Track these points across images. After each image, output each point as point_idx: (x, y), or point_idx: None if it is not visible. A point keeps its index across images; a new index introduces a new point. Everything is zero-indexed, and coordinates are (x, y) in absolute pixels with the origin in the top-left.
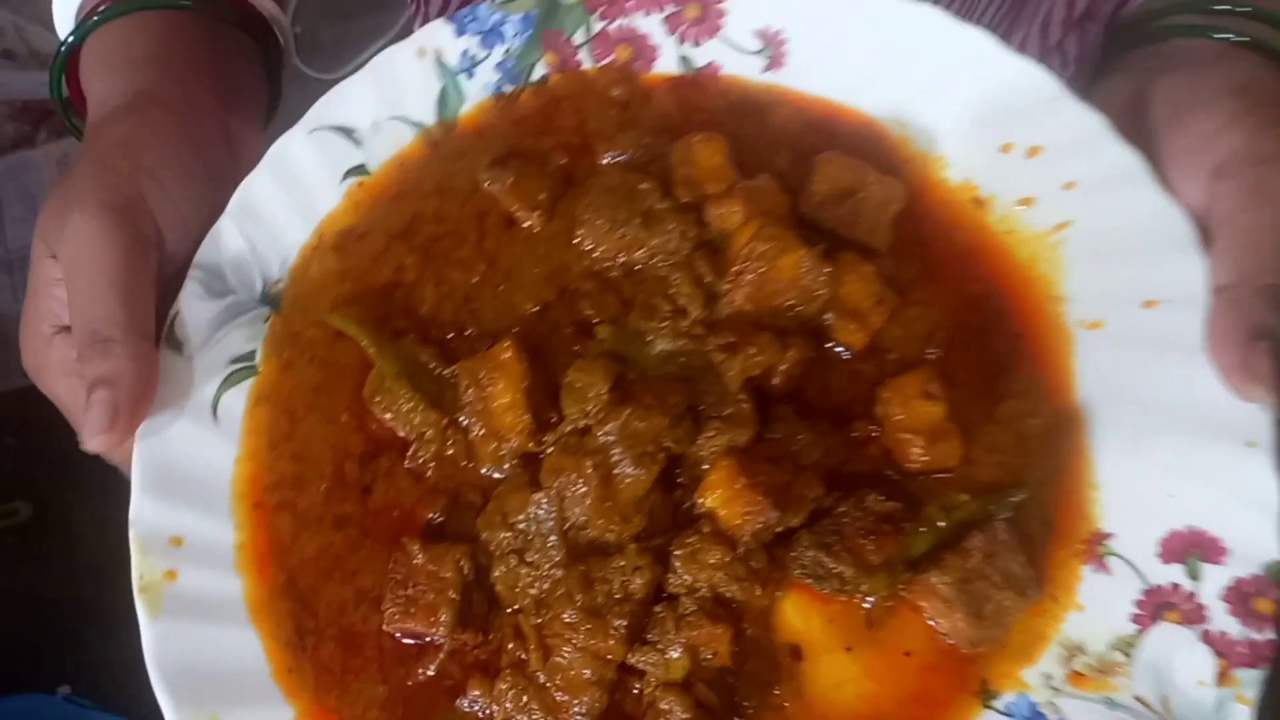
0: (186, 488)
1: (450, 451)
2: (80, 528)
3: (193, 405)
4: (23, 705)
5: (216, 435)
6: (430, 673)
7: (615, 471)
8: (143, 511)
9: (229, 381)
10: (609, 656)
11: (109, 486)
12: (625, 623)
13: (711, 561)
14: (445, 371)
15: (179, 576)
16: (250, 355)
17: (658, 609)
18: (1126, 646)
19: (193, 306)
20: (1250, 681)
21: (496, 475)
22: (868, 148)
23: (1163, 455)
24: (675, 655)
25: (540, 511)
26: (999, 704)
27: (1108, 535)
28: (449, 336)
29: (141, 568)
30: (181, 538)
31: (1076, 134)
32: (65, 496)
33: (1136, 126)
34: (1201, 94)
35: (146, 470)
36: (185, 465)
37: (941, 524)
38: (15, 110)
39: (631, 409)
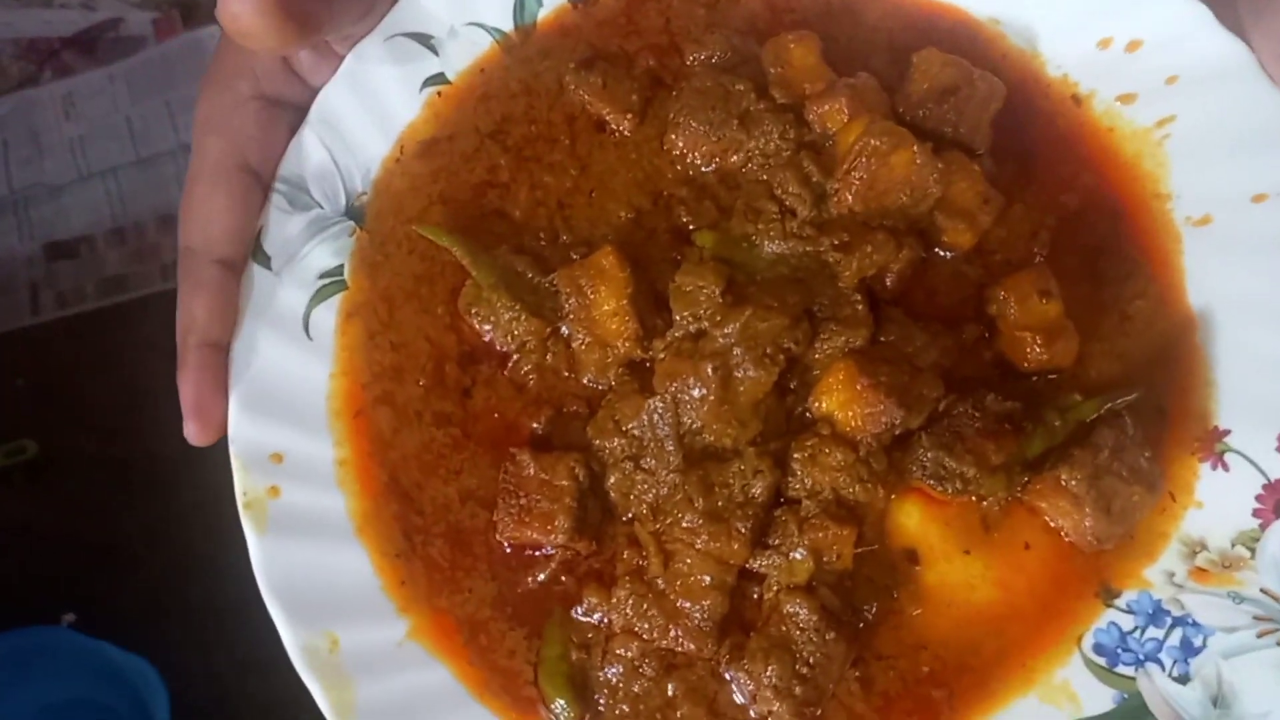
0: (282, 404)
1: (552, 361)
2: (86, 467)
3: (284, 321)
4: (28, 638)
5: (310, 351)
6: (541, 580)
7: (735, 375)
8: (241, 429)
9: (318, 296)
10: (731, 560)
11: (115, 427)
12: (749, 525)
13: (833, 463)
14: (543, 280)
15: (282, 493)
16: (338, 270)
17: (778, 513)
18: (1250, 541)
19: (278, 220)
20: None
21: (600, 385)
22: (963, 46)
23: (1278, 351)
24: (799, 558)
25: (655, 416)
26: (1121, 602)
27: (1225, 432)
28: (542, 243)
29: (245, 484)
30: (282, 454)
31: (1177, 26)
32: (72, 436)
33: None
34: None
35: (243, 388)
36: (281, 382)
37: (1057, 424)
38: (21, 49)
39: (752, 309)
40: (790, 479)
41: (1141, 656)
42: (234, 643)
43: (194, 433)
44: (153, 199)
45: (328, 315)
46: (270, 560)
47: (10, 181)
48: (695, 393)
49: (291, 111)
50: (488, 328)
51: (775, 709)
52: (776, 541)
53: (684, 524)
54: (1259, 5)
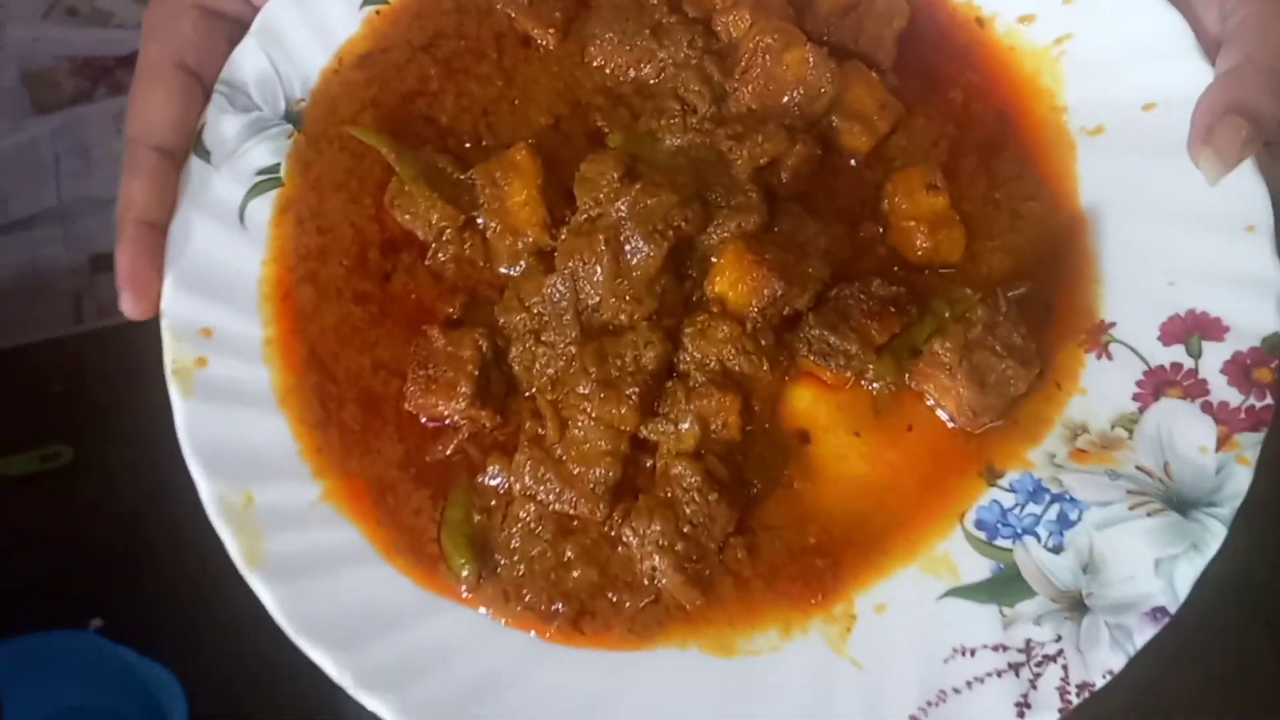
0: (215, 285)
1: (468, 251)
2: (119, 474)
3: (221, 210)
4: (55, 641)
5: (244, 238)
6: (448, 451)
7: (626, 249)
8: (174, 303)
9: (255, 190)
10: (623, 426)
11: (149, 435)
12: (638, 390)
13: (720, 336)
14: (462, 176)
15: (209, 363)
16: (275, 169)
17: (669, 384)
18: (1129, 423)
19: (219, 119)
20: (1250, 444)
21: (513, 273)
22: None
23: (1163, 247)
24: (686, 426)
25: (555, 292)
26: (1004, 482)
27: (1110, 324)
28: (466, 146)
29: (174, 353)
30: (211, 329)
31: None
32: (106, 443)
33: None
34: None
35: (178, 266)
36: (214, 264)
37: (946, 315)
38: (76, 66)
39: (641, 185)
40: (681, 354)
41: (1019, 530)
42: (253, 654)
43: (128, 303)
44: None
45: (263, 208)
46: (192, 420)
47: (60, 193)
48: (592, 268)
49: (229, 23)
50: (408, 219)
51: (658, 563)
52: (666, 410)
53: (579, 391)
54: None
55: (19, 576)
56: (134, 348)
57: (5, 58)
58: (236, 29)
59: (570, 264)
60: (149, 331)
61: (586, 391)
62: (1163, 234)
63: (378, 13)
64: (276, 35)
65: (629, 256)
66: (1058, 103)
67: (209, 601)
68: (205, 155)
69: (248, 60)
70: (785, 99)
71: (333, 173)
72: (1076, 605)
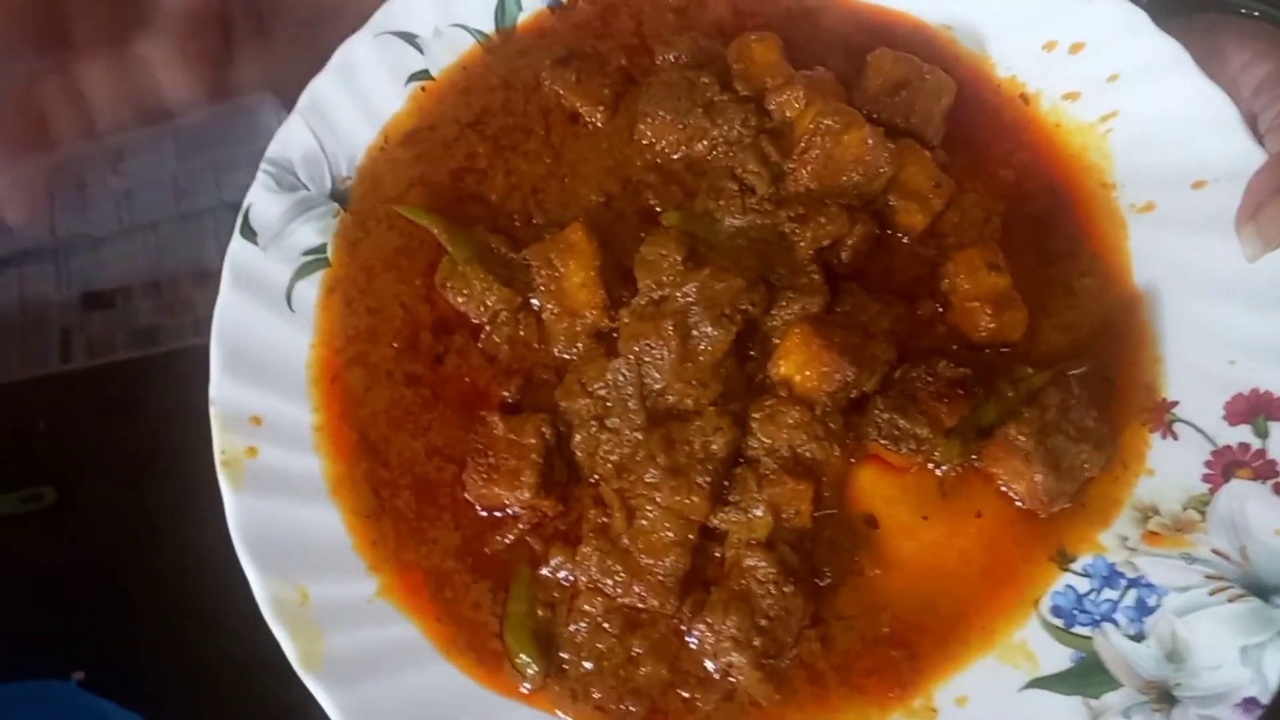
0: (264, 370)
1: (523, 333)
2: (104, 515)
3: (268, 293)
4: (36, 691)
5: (292, 322)
6: (508, 541)
7: (694, 333)
8: (221, 391)
9: (302, 272)
10: (693, 515)
11: (133, 478)
12: (709, 479)
13: (790, 422)
14: (515, 256)
15: (260, 453)
16: (322, 248)
17: (738, 470)
18: (1200, 505)
19: (265, 199)
20: None
21: (569, 355)
22: (917, 50)
23: (1221, 325)
24: (759, 514)
25: (620, 377)
26: (1077, 566)
27: (1173, 403)
28: (515, 224)
29: (223, 443)
30: (261, 417)
31: (1116, 28)
32: (90, 483)
33: None
34: (1229, 42)
35: (225, 351)
36: (262, 349)
37: (1009, 394)
38: None
39: (710, 270)
40: (749, 439)
41: (1097, 617)
42: (239, 704)
43: None
44: (191, 253)
45: (310, 289)
46: (244, 515)
47: (54, 230)
48: (658, 352)
49: None
50: (461, 300)
51: (735, 660)
52: (737, 498)
53: (647, 480)
54: (1210, 51)
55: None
56: (121, 387)
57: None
58: None
59: (635, 348)
60: (136, 371)
61: (655, 480)
62: (1220, 312)
63: (423, 89)
64: (322, 112)
65: (696, 341)
66: (1107, 179)
67: (191, 648)
68: (251, 236)
69: (294, 138)
70: (843, 179)
71: (381, 252)
72: (1165, 697)
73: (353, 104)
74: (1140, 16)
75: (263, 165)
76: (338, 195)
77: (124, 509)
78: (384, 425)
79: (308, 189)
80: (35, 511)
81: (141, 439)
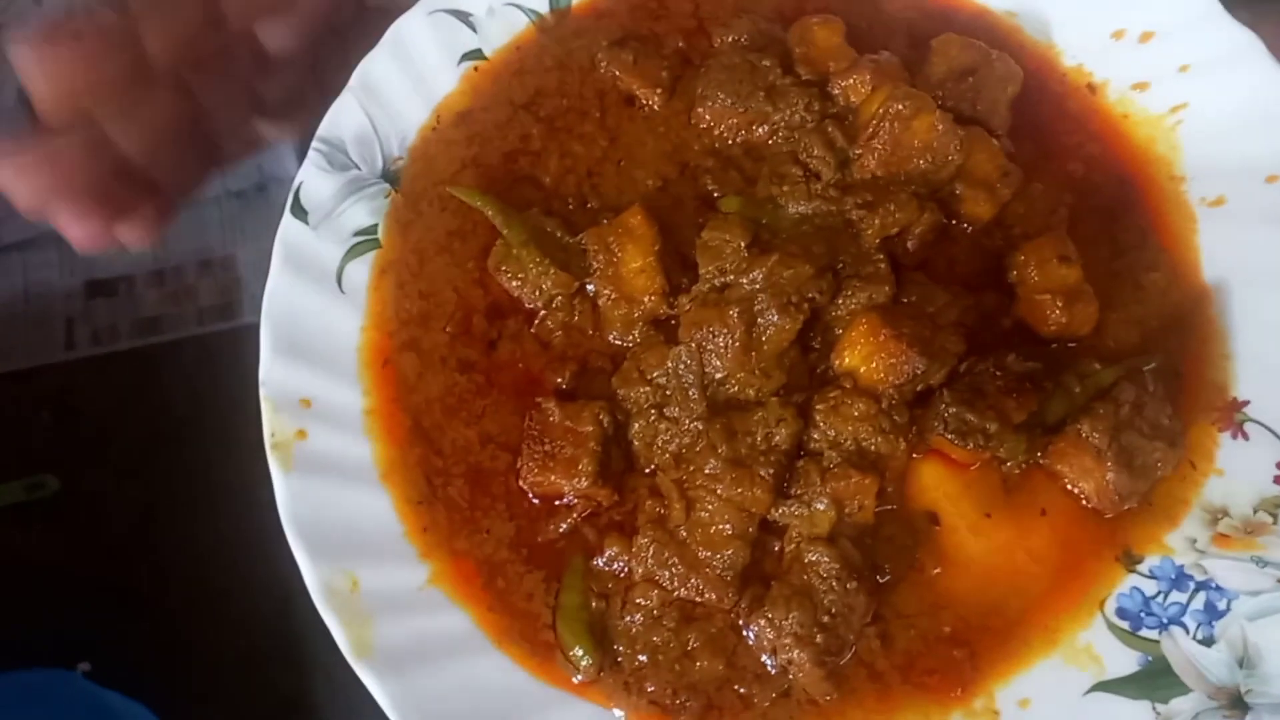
0: (314, 352)
1: (578, 319)
2: (106, 505)
3: (318, 273)
4: (41, 680)
5: (342, 303)
6: (563, 530)
7: (758, 321)
8: (272, 372)
9: (353, 252)
10: (753, 508)
11: (136, 466)
12: (771, 471)
13: (855, 414)
14: (571, 240)
15: (310, 436)
16: (373, 229)
17: (800, 463)
18: (1272, 507)
19: (316, 178)
20: None
21: (626, 342)
22: (981, 37)
23: None
24: (821, 507)
25: (681, 365)
26: (1143, 568)
27: (1244, 403)
28: (570, 208)
29: (273, 425)
30: (311, 399)
31: (1187, 16)
32: (94, 474)
33: None
34: None
35: (275, 332)
36: (312, 331)
37: (1077, 390)
38: None
39: (778, 256)
40: (812, 431)
41: (1165, 620)
42: (242, 695)
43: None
44: (195, 242)
45: (361, 271)
46: (294, 497)
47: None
48: (720, 340)
49: None
50: (516, 284)
51: (796, 656)
52: (799, 491)
53: (706, 471)
54: None
55: (3, 608)
56: (125, 376)
57: (3, 76)
58: None
59: (697, 335)
60: (140, 359)
61: (715, 471)
62: None
63: (476, 69)
64: (375, 91)
65: (760, 329)
66: (1175, 172)
67: (195, 637)
68: (303, 215)
69: (346, 117)
70: (911, 166)
71: (434, 235)
72: (1236, 702)
73: (405, 83)
74: (1213, 4)
75: (314, 144)
76: (389, 175)
77: (128, 498)
78: (438, 412)
79: (359, 169)
80: (39, 500)
81: (146, 428)
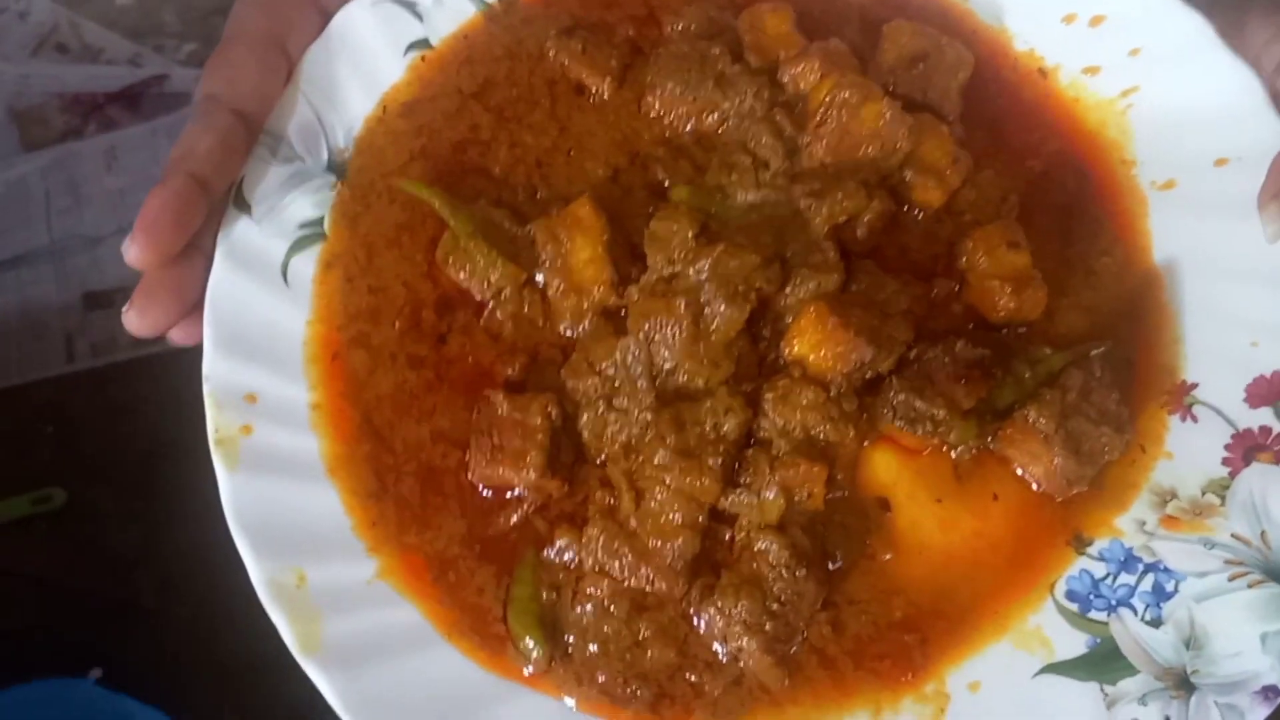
0: (258, 347)
1: (527, 310)
2: (112, 518)
3: (262, 267)
4: (56, 689)
5: (287, 297)
6: (513, 522)
7: (706, 311)
8: (215, 367)
9: (297, 246)
10: (703, 497)
11: (139, 479)
12: (720, 461)
13: (804, 402)
14: (519, 231)
15: (254, 431)
16: (319, 221)
17: (749, 452)
18: (1220, 489)
19: (260, 170)
20: None
21: (575, 333)
22: (934, 22)
23: (1243, 305)
24: (771, 496)
25: (629, 356)
26: (1093, 551)
27: (1193, 385)
28: (519, 198)
29: (217, 421)
30: (256, 395)
31: (1139, 1)
32: (98, 486)
33: None
34: (1253, 18)
35: (218, 327)
36: (256, 325)
37: (1027, 375)
38: (66, 102)
39: (724, 246)
40: (762, 420)
41: (1114, 602)
42: (249, 700)
43: (134, 249)
44: None
45: (306, 264)
46: (239, 495)
47: (50, 231)
48: (669, 331)
49: (324, 18)
50: (464, 276)
51: (745, 644)
52: (748, 480)
53: (655, 462)
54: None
55: (13, 621)
56: (126, 389)
57: None
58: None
59: (645, 326)
60: (140, 370)
61: (664, 461)
62: (1242, 292)
63: (423, 58)
64: (318, 82)
65: (708, 319)
66: (1126, 156)
67: (205, 645)
68: (246, 208)
69: (289, 108)
70: (860, 153)
71: (381, 228)
72: (1182, 683)
73: (350, 73)
74: None
75: (260, 136)
76: (335, 167)
77: (133, 508)
78: (388, 409)
79: (304, 160)
80: (45, 513)
81: (148, 438)
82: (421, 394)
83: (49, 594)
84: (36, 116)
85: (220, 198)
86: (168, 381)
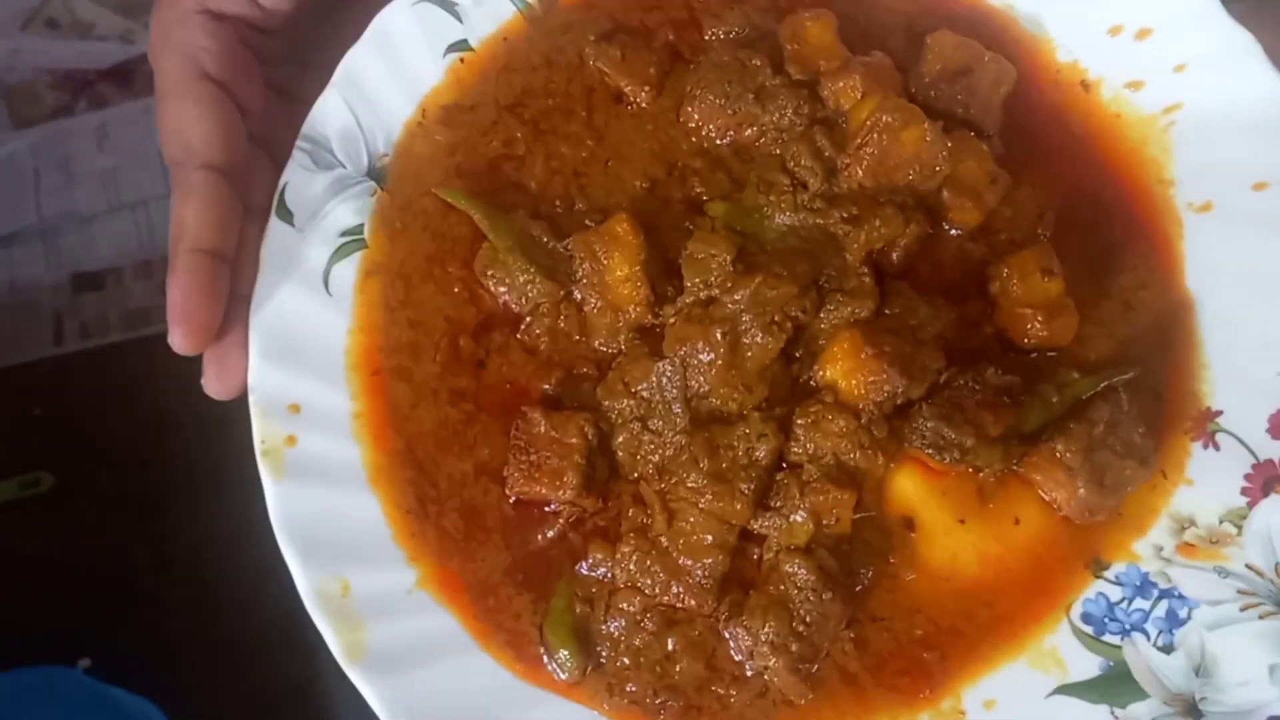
0: (302, 356)
1: (564, 325)
2: (102, 499)
3: (305, 276)
4: (43, 677)
5: (329, 306)
6: (550, 537)
7: (743, 340)
8: (262, 379)
9: (339, 253)
10: (733, 520)
11: (131, 460)
12: (752, 486)
13: (835, 430)
14: (558, 245)
15: (299, 442)
16: (359, 229)
17: (780, 476)
18: (1237, 519)
19: (301, 178)
20: None
21: (611, 349)
22: (977, 30)
23: (1273, 334)
24: (799, 520)
25: (664, 379)
26: (1110, 574)
27: (1217, 413)
28: (557, 209)
29: (263, 432)
30: (300, 405)
31: (1187, 15)
32: (88, 468)
33: None
34: None
35: (263, 338)
36: (300, 335)
37: (1054, 400)
38: (57, 79)
39: (762, 277)
40: (793, 444)
41: (1128, 626)
42: (243, 681)
43: (178, 339)
44: None
45: (348, 272)
46: (286, 506)
47: (40, 210)
48: (704, 357)
49: (236, 24)
50: (503, 290)
51: (771, 664)
52: (778, 504)
53: (689, 484)
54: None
55: (1, 606)
56: (116, 370)
57: None
58: (245, 30)
59: (681, 350)
60: (130, 352)
61: (697, 485)
62: (1272, 320)
63: (462, 60)
64: (359, 85)
65: (744, 347)
66: (1165, 175)
67: (196, 631)
68: (288, 218)
69: (330, 114)
70: (898, 176)
71: (415, 260)
72: (1190, 710)
73: (389, 76)
74: (1212, 2)
75: (299, 142)
76: (375, 173)
77: (124, 491)
78: (431, 447)
79: (344, 167)
80: (34, 497)
81: (138, 421)
82: (462, 429)
83: (39, 577)
84: (27, 93)
85: (234, 253)
86: (158, 363)
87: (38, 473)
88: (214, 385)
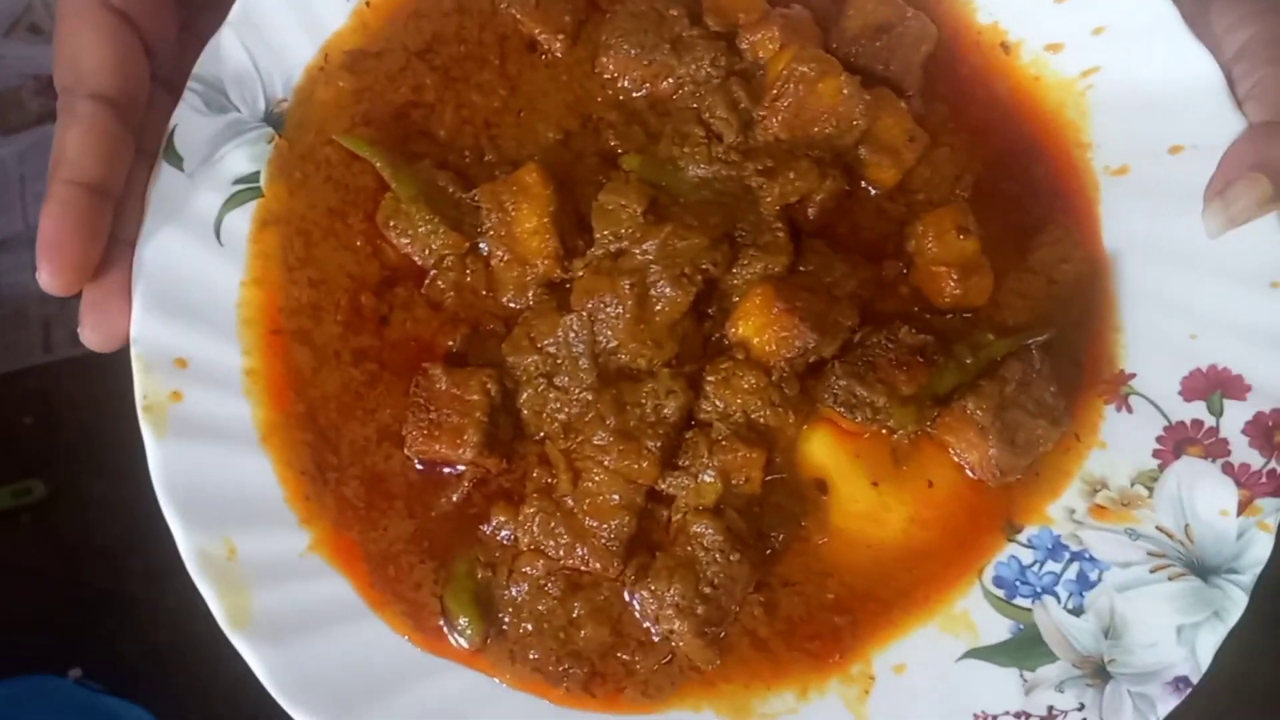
0: (190, 308)
1: (470, 279)
2: (94, 508)
3: (194, 223)
4: (33, 686)
5: (221, 256)
6: (454, 501)
7: (651, 293)
8: (145, 330)
9: (232, 202)
10: (640, 479)
11: (125, 469)
12: (659, 444)
13: (745, 386)
14: (464, 196)
15: (185, 397)
16: (254, 177)
17: (689, 435)
18: (1149, 480)
19: (192, 120)
20: (1272, 510)
21: (518, 305)
22: None
23: (1186, 297)
24: (708, 479)
25: (571, 334)
26: (1022, 537)
27: (1130, 376)
28: (466, 159)
29: (145, 387)
30: (186, 359)
31: None
32: (80, 476)
33: None
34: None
35: (147, 287)
36: (188, 285)
37: (969, 361)
38: (41, 85)
39: (671, 227)
40: (703, 402)
41: (1039, 589)
42: (236, 691)
43: (45, 275)
44: None
45: (241, 222)
46: (168, 463)
47: (27, 217)
48: (612, 310)
49: None
50: (405, 242)
51: (677, 627)
52: (686, 463)
53: (595, 442)
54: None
55: None
56: (107, 377)
57: None
58: None
59: (589, 304)
60: (122, 359)
61: (603, 442)
62: (1185, 284)
63: (368, 4)
64: (257, 25)
65: (653, 300)
66: (1084, 139)
67: (190, 639)
68: (177, 161)
69: (226, 54)
70: (815, 130)
71: (316, 214)
72: (1099, 672)
73: (291, 17)
74: None
75: (190, 83)
76: (273, 119)
77: (115, 501)
78: (333, 411)
79: (239, 111)
80: (26, 505)
81: (129, 429)
82: (365, 390)
83: (31, 586)
84: (11, 100)
85: (119, 191)
86: None
87: (29, 481)
88: (92, 335)
